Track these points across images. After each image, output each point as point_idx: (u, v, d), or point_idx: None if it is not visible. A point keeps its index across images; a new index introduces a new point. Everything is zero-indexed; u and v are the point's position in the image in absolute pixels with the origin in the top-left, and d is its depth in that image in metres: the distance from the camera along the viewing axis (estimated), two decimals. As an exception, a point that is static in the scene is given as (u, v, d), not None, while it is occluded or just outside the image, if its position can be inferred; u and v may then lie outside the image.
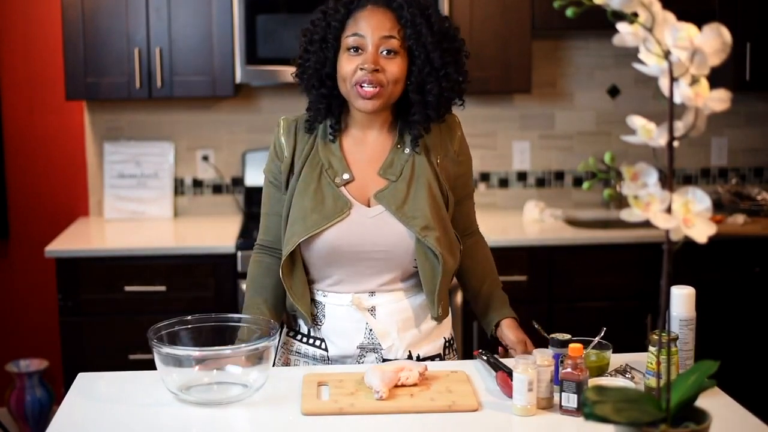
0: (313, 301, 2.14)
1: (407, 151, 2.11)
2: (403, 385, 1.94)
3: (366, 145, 2.13)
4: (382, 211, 2.07)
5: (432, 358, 2.16)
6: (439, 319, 2.14)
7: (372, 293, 2.11)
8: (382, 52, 2.02)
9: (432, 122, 2.11)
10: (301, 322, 2.19)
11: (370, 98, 2.03)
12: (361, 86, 2.02)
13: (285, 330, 2.25)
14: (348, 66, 2.03)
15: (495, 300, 2.23)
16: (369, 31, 2.02)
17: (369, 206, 2.09)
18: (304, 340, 2.18)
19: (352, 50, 2.03)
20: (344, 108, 2.13)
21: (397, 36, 2.03)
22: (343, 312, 2.12)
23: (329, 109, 2.11)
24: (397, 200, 2.07)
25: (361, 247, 2.06)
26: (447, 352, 2.21)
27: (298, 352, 2.19)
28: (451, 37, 2.08)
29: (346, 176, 2.09)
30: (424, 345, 2.15)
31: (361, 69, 2.01)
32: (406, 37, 2.03)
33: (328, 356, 2.15)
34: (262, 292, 2.19)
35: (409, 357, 2.13)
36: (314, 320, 2.14)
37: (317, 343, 2.16)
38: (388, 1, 2.05)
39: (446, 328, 2.21)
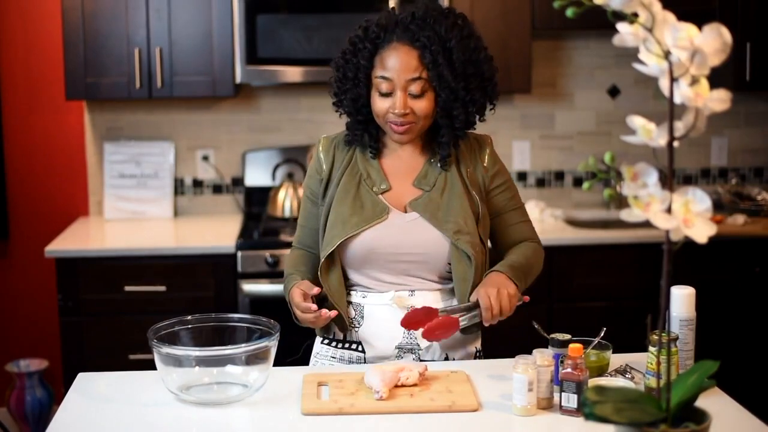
0: (350, 303, 2.18)
1: (440, 165, 2.19)
2: (403, 385, 1.94)
3: (402, 159, 2.22)
4: (417, 217, 2.15)
5: None
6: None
7: (412, 291, 2.15)
8: (409, 92, 2.09)
9: (461, 139, 2.18)
10: (335, 329, 2.21)
11: (402, 133, 2.13)
12: (394, 123, 2.12)
13: (318, 339, 2.27)
14: (380, 105, 2.12)
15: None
16: (395, 74, 2.08)
17: (405, 212, 2.16)
18: (339, 345, 2.21)
19: (382, 92, 2.10)
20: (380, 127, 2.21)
21: (423, 76, 2.09)
22: (383, 312, 2.15)
23: (366, 131, 2.20)
24: (432, 208, 2.14)
25: (398, 249, 2.13)
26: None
27: (333, 357, 2.22)
28: (476, 62, 2.12)
29: (383, 186, 2.18)
30: (459, 350, 2.20)
31: (392, 113, 2.10)
32: (429, 79, 2.09)
33: (365, 358, 2.18)
34: (301, 265, 2.23)
35: (446, 359, 2.18)
36: (350, 322, 2.18)
37: (353, 346, 2.20)
38: (412, 38, 2.08)
39: (477, 339, 2.25)
